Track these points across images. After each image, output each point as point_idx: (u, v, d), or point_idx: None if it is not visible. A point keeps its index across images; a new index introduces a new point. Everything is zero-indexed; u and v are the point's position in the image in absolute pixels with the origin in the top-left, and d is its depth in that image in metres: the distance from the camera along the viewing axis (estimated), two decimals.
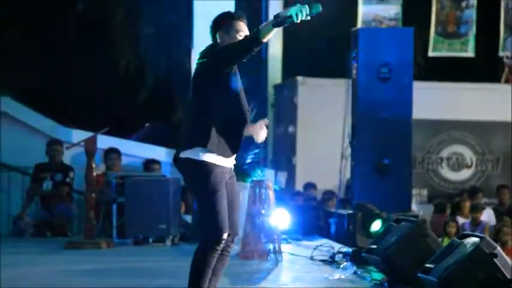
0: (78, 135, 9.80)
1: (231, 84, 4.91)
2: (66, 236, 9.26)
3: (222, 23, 4.99)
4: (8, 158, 10.00)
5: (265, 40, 4.77)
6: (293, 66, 12.09)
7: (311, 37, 13.58)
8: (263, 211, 7.68)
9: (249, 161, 9.29)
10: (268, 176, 9.16)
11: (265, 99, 11.84)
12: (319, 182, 10.33)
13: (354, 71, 8.89)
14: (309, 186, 10.39)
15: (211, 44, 5.02)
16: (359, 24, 11.49)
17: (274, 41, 12.01)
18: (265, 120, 5.12)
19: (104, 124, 8.85)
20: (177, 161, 4.93)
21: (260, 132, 5.04)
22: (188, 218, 9.37)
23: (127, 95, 16.21)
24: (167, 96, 16.59)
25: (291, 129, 11.06)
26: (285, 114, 11.41)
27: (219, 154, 4.83)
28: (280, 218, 7.96)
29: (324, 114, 10.65)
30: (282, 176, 9.60)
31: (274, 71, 12.06)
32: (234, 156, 4.93)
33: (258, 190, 7.78)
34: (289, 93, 11.27)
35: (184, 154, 4.86)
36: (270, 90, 11.93)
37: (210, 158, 4.81)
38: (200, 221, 5.00)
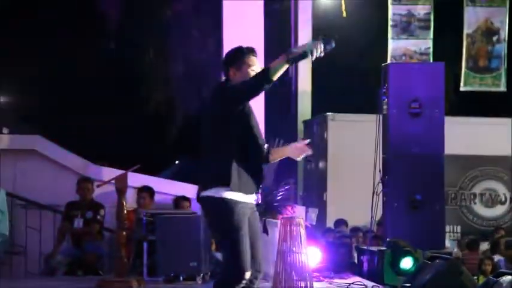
0: (109, 173, 9.83)
1: (245, 121, 4.92)
2: (98, 274, 9.23)
3: (233, 59, 5.06)
4: (39, 196, 10.04)
5: (275, 78, 4.79)
6: (323, 102, 12.08)
7: (341, 73, 13.59)
8: (294, 248, 7.59)
9: (279, 197, 9.24)
10: (299, 212, 9.09)
11: (295, 135, 11.81)
12: (350, 218, 10.24)
13: (385, 106, 8.85)
14: (340, 223, 10.29)
15: (223, 81, 5.04)
16: (389, 59, 11.47)
17: (304, 76, 12.02)
18: (303, 141, 5.14)
19: (134, 162, 8.87)
20: (200, 199, 4.94)
21: (297, 151, 5.05)
22: (219, 256, 9.31)
23: (157, 133, 16.30)
24: (197, 134, 16.62)
25: (321, 165, 11.00)
26: (315, 150, 11.34)
27: (241, 192, 4.82)
28: (311, 255, 7.88)
29: (355, 150, 10.59)
30: (313, 213, 9.51)
31: (304, 107, 12.05)
32: (255, 192, 4.93)
33: (288, 227, 7.71)
34: (319, 129, 11.22)
35: (205, 193, 4.86)
36: (300, 126, 11.90)
37: (231, 195, 4.81)
38: (223, 259, 4.98)
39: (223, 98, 4.91)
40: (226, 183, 4.81)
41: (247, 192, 4.85)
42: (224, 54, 5.15)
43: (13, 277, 9.72)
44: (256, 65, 5.05)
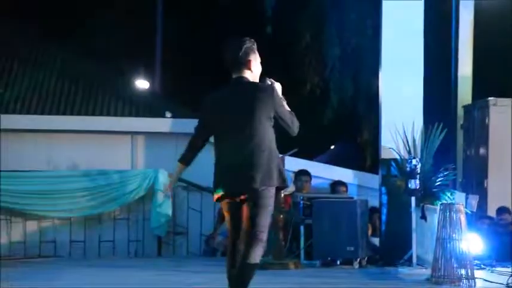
0: None
1: None
2: None
3: (254, 49, 5.32)
4: (200, 178, 10.28)
5: None
6: (484, 86, 11.70)
7: (504, 56, 13.09)
8: (454, 235, 7.45)
9: (438, 183, 9.07)
10: (458, 199, 8.90)
11: (454, 120, 11.51)
12: None
13: None
14: (503, 210, 9.95)
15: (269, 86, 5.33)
16: None
17: (464, 60, 11.68)
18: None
19: (291, 146, 8.94)
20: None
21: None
22: (376, 241, 9.26)
23: (312, 116, 16.33)
24: (353, 117, 16.55)
25: (482, 151, 10.68)
26: (475, 136, 11.05)
27: None
28: (472, 242, 7.69)
29: None
30: (473, 200, 9.27)
31: (464, 92, 11.70)
32: None
33: (448, 213, 7.57)
34: (480, 115, 10.89)
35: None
36: (460, 111, 11.59)
37: None
38: None
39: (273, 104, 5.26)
40: None
41: None
42: (241, 47, 5.30)
43: (175, 256, 10.07)
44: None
